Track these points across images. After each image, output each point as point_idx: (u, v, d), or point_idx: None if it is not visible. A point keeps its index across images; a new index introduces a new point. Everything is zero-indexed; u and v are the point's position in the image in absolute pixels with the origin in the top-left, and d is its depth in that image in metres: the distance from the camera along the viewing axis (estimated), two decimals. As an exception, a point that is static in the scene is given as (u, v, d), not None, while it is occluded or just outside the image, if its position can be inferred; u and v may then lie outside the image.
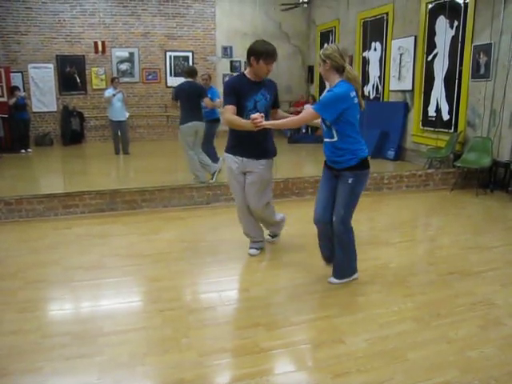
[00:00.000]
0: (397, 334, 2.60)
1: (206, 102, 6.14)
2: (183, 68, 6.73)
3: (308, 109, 3.01)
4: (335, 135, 2.96)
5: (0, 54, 9.78)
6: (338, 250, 3.17)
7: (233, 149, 3.51)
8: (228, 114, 3.32)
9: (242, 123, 3.28)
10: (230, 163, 3.55)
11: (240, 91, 3.33)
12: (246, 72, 3.44)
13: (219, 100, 6.66)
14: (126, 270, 3.54)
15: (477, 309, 2.90)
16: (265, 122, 3.15)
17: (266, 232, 4.00)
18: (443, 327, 2.67)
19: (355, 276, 3.26)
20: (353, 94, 2.91)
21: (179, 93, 6.12)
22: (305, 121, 3.17)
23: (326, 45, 3.06)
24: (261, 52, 3.25)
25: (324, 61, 2.94)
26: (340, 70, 2.93)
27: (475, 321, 2.75)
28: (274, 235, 4.06)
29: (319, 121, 3.13)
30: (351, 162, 2.96)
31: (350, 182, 2.99)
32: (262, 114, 3.18)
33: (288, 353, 2.46)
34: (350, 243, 3.16)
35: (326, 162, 3.16)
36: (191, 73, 6.27)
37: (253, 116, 3.13)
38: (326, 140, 3.06)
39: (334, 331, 2.65)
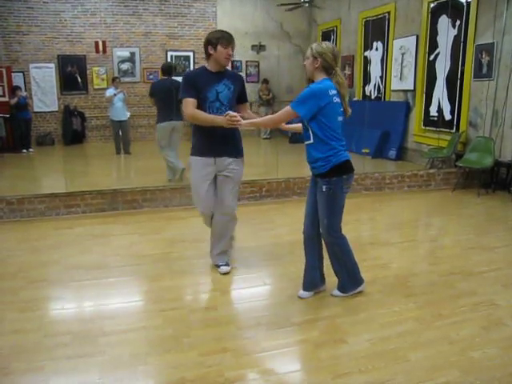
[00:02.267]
0: (398, 335, 2.59)
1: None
2: (161, 65, 6.69)
3: (286, 107, 2.84)
4: (311, 137, 2.82)
5: (1, 54, 9.78)
6: (335, 264, 3.02)
7: (201, 149, 3.27)
8: (190, 107, 3.13)
9: (209, 118, 3.10)
10: (198, 166, 3.30)
11: (199, 82, 3.15)
12: (206, 64, 3.25)
13: None
14: (127, 270, 3.54)
15: (479, 309, 2.89)
16: (243, 122, 2.96)
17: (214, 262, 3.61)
18: (445, 328, 2.67)
19: (360, 289, 3.06)
20: (332, 91, 2.72)
21: (155, 90, 6.10)
22: (282, 119, 2.92)
23: (324, 43, 2.84)
24: (216, 37, 3.12)
25: (315, 57, 2.77)
26: (329, 71, 2.78)
27: (477, 321, 2.74)
28: (226, 263, 3.50)
29: (298, 126, 3.05)
30: (322, 168, 2.79)
31: (324, 189, 2.80)
32: (241, 114, 3.07)
33: (289, 353, 2.46)
34: (344, 254, 2.97)
35: None
36: (168, 70, 6.21)
37: (231, 113, 2.96)
38: (305, 142, 2.91)
39: (336, 331, 2.64)
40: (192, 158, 3.33)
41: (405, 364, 2.32)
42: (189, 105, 3.15)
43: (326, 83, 2.75)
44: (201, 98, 3.16)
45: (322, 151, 2.79)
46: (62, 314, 2.90)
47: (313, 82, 2.83)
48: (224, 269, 3.45)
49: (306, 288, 3.08)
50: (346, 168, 2.83)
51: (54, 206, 4.98)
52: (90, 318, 2.82)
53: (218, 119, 3.03)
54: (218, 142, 3.23)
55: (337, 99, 2.75)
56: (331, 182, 2.79)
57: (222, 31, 3.22)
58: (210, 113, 3.15)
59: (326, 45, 2.80)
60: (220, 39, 3.11)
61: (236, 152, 3.31)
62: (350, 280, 3.04)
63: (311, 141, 2.83)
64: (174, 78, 6.20)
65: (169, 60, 10.71)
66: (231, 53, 3.18)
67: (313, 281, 3.09)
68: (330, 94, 2.72)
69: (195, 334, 2.61)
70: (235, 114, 2.98)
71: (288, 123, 3.17)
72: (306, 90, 2.75)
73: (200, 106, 3.16)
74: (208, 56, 3.19)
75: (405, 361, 2.35)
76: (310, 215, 3.02)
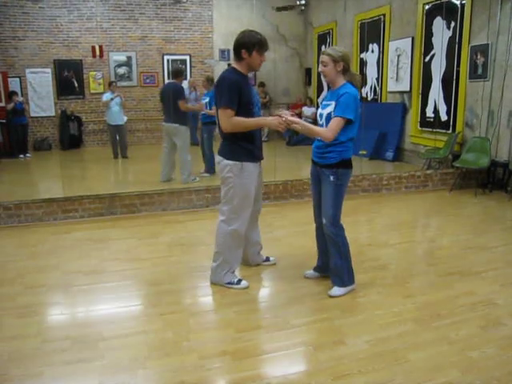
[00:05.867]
0: (397, 335, 2.60)
1: (180, 104, 6.14)
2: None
3: (335, 118, 2.87)
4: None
5: (-2, 59, 9.78)
6: (335, 256, 3.09)
7: (254, 154, 3.11)
8: (229, 118, 2.94)
9: (252, 122, 2.99)
10: (253, 172, 3.11)
11: (244, 89, 2.98)
12: (235, 67, 3.06)
13: (201, 103, 6.79)
14: (125, 274, 3.53)
15: (477, 309, 2.90)
16: (296, 120, 2.99)
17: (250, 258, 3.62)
18: (444, 328, 2.67)
19: (353, 286, 3.16)
20: (358, 96, 2.96)
21: (160, 94, 6.55)
22: (338, 129, 2.87)
23: (333, 46, 3.05)
24: (253, 43, 2.96)
25: (337, 61, 2.90)
26: (346, 72, 2.97)
27: (476, 321, 2.75)
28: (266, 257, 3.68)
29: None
30: (332, 160, 2.96)
31: (331, 179, 2.98)
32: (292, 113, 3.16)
33: (289, 355, 2.45)
34: (345, 246, 3.09)
35: (312, 158, 3.15)
36: (174, 74, 6.48)
37: (285, 113, 2.97)
38: (319, 139, 3.03)
39: (335, 333, 2.64)
40: (245, 164, 3.06)
41: (404, 365, 2.33)
42: (229, 115, 2.94)
43: (354, 87, 2.94)
44: (249, 103, 3.01)
45: (337, 146, 2.95)
46: (61, 320, 2.89)
47: (331, 85, 3.02)
48: (274, 259, 3.66)
49: (314, 269, 3.39)
50: (350, 164, 3.04)
51: (51, 211, 4.97)
52: (88, 322, 2.82)
53: (263, 121, 3.02)
54: (260, 145, 3.24)
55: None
56: (338, 172, 2.97)
57: (259, 35, 3.02)
58: (254, 118, 3.05)
59: (343, 49, 2.99)
60: (256, 46, 2.97)
61: None
62: (349, 274, 3.14)
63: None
64: (182, 82, 6.46)
65: (165, 64, 10.73)
66: (264, 59, 3.08)
67: (323, 265, 3.32)
68: (358, 98, 2.95)
69: (195, 338, 2.61)
70: (288, 114, 2.95)
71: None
72: (347, 96, 2.87)
73: (245, 113, 2.98)
74: (240, 59, 3.03)
75: (404, 361, 2.35)
76: (317, 206, 3.22)
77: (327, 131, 2.91)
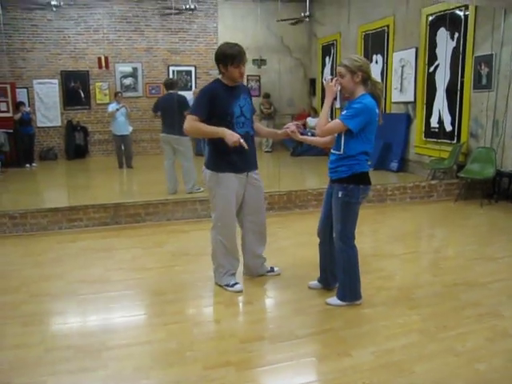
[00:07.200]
0: (403, 347, 2.57)
1: (186, 115, 6.14)
2: (164, 81, 7.15)
3: (335, 120, 2.86)
4: (342, 149, 2.89)
5: (6, 71, 9.89)
6: (340, 271, 3.06)
7: (235, 165, 3.14)
8: (191, 121, 3.05)
9: (211, 130, 3.01)
10: (232, 184, 3.17)
11: (221, 99, 3.05)
12: (221, 78, 3.17)
13: None
14: (129, 284, 3.53)
15: (484, 320, 2.87)
16: (301, 137, 3.22)
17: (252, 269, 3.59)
18: (450, 339, 2.64)
19: (357, 302, 3.07)
20: (377, 110, 2.85)
21: (158, 104, 6.51)
22: (332, 131, 2.89)
23: (351, 55, 2.92)
24: (225, 57, 3.02)
25: (354, 72, 2.81)
26: (366, 82, 2.87)
27: (482, 332, 2.72)
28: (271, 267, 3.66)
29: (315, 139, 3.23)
30: (343, 173, 2.88)
31: (339, 195, 2.89)
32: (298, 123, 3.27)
33: (293, 366, 2.43)
34: (351, 264, 3.00)
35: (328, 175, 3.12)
36: (171, 85, 6.52)
37: (292, 128, 3.20)
38: (332, 151, 3.00)
39: (339, 344, 2.62)
40: (223, 174, 3.14)
41: (410, 377, 2.30)
42: (191, 119, 3.06)
43: (372, 100, 2.84)
44: (226, 113, 3.07)
45: (347, 160, 2.88)
46: (65, 329, 2.88)
47: (348, 97, 2.91)
48: (278, 270, 3.64)
49: (318, 280, 3.34)
50: (363, 178, 2.94)
51: (56, 220, 4.99)
52: (92, 332, 2.81)
53: (221, 132, 2.97)
54: (252, 156, 3.25)
55: (377, 117, 2.87)
56: (348, 189, 2.89)
57: (233, 47, 3.06)
58: (235, 129, 3.05)
59: (360, 58, 2.89)
60: (229, 60, 3.02)
61: (257, 162, 3.39)
62: (351, 291, 3.07)
63: (341, 152, 2.91)
64: (178, 92, 6.48)
65: (171, 75, 10.82)
66: (243, 71, 3.12)
67: (323, 279, 3.31)
68: (376, 111, 2.84)
69: (199, 348, 2.59)
70: (293, 125, 3.21)
71: (302, 135, 3.31)
72: (359, 106, 2.79)
73: (221, 123, 3.03)
74: (220, 72, 3.13)
75: (410, 373, 2.33)
76: (322, 221, 3.18)
77: (318, 128, 2.92)
